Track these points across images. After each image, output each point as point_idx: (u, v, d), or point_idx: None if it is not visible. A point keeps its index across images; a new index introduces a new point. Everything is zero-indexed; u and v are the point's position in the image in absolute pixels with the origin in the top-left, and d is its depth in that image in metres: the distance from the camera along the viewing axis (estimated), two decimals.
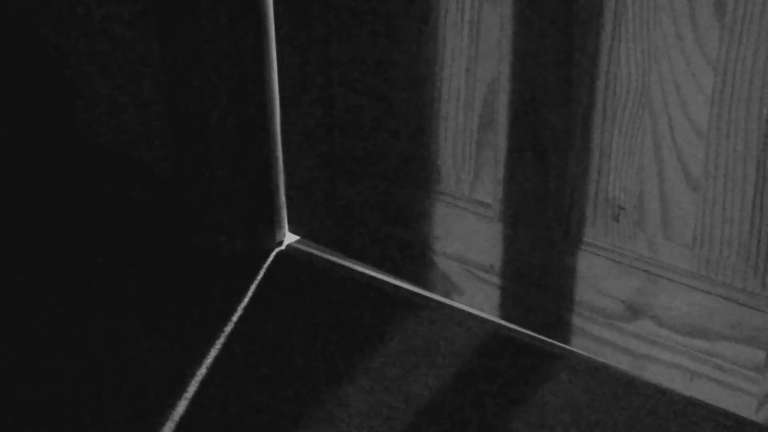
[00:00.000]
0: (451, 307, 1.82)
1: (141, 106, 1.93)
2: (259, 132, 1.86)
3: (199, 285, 1.89)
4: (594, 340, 1.73)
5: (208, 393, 1.68)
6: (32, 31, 2.01)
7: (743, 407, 1.63)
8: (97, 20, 1.91)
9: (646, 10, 1.47)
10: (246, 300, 1.85)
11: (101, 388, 1.69)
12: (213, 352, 1.75)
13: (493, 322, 1.80)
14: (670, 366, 1.67)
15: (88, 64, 1.97)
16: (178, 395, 1.67)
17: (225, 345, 1.76)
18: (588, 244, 1.68)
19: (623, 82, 1.53)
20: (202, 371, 1.72)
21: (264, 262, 1.93)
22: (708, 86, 1.47)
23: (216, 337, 1.78)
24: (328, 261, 1.93)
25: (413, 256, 1.85)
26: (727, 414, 1.64)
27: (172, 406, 1.66)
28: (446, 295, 1.84)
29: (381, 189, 1.84)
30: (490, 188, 1.72)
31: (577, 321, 1.73)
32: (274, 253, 1.95)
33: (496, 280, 1.78)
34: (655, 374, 1.69)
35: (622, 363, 1.72)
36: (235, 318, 1.81)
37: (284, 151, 1.92)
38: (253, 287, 1.88)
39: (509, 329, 1.79)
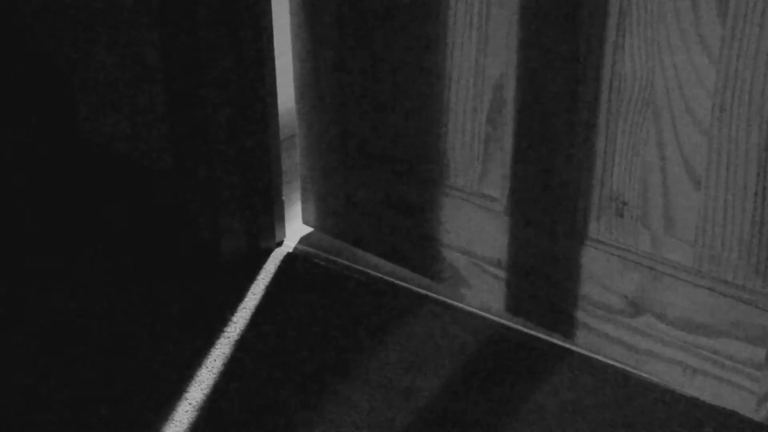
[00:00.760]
0: (454, 307, 1.83)
1: (141, 106, 1.93)
2: (259, 132, 1.87)
3: (199, 285, 1.89)
4: (597, 334, 1.74)
5: (208, 393, 1.68)
6: (32, 32, 2.02)
7: (743, 405, 1.63)
8: (97, 20, 1.91)
9: (650, 6, 1.48)
10: (246, 300, 1.85)
11: (101, 388, 1.69)
12: (213, 352, 1.75)
13: (495, 321, 1.80)
14: (671, 362, 1.68)
15: (88, 64, 1.97)
16: (178, 395, 1.67)
17: (225, 344, 1.76)
18: (592, 240, 1.68)
19: (627, 79, 1.54)
20: (203, 371, 1.72)
21: (264, 261, 1.93)
22: (710, 83, 1.47)
23: (216, 336, 1.78)
24: (329, 260, 1.94)
25: (423, 248, 1.87)
26: (727, 412, 1.64)
27: (172, 406, 1.66)
28: (454, 286, 1.85)
29: (392, 183, 1.85)
30: (497, 183, 1.73)
31: (580, 315, 1.74)
32: (273, 253, 1.95)
33: (502, 273, 1.79)
34: (656, 370, 1.70)
35: (623, 358, 1.72)
36: (235, 318, 1.81)
37: (300, 147, 1.94)
38: (252, 287, 1.88)
39: (510, 329, 1.79)
